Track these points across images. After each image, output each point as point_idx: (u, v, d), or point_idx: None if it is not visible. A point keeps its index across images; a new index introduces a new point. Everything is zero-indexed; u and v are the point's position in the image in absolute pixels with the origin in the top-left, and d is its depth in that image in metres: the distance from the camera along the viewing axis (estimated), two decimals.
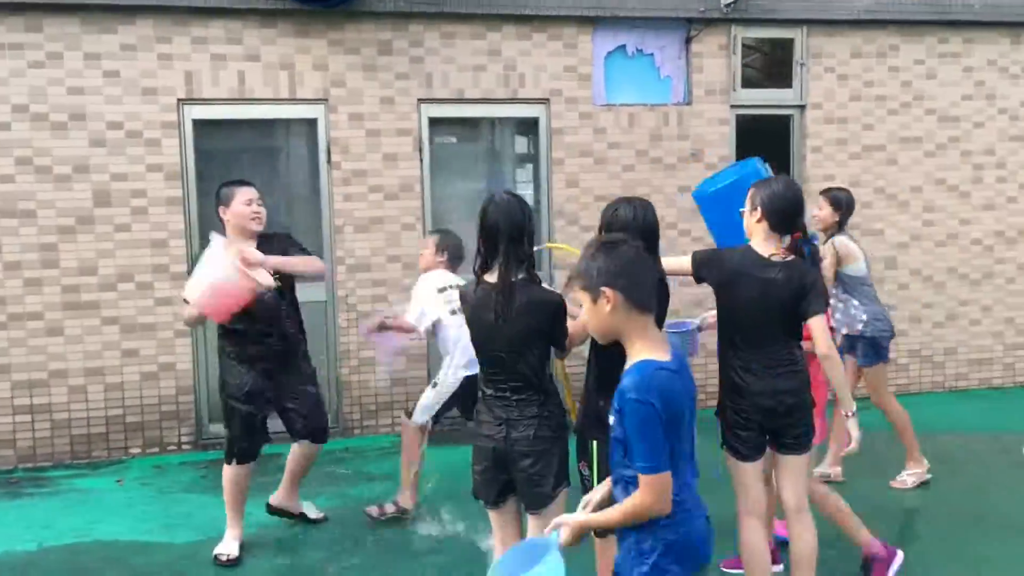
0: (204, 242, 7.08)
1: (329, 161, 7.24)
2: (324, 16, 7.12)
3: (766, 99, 8.21)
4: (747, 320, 3.84)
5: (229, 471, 5.03)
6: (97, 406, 6.96)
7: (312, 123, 7.27)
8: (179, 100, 6.96)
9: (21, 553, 5.20)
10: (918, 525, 5.44)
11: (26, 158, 6.70)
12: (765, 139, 8.54)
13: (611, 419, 2.65)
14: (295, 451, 5.31)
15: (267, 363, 4.95)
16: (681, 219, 7.93)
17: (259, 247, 4.86)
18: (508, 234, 3.51)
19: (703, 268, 3.98)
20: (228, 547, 5.00)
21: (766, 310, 3.81)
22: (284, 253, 4.97)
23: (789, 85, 8.21)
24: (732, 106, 8.06)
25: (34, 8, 6.63)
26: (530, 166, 7.85)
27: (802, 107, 8.25)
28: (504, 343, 3.49)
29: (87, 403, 6.93)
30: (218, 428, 7.19)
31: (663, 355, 2.63)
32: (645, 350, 2.64)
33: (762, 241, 3.88)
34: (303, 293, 5.82)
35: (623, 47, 7.84)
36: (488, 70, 7.50)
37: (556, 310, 3.55)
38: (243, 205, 4.95)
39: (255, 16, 7.02)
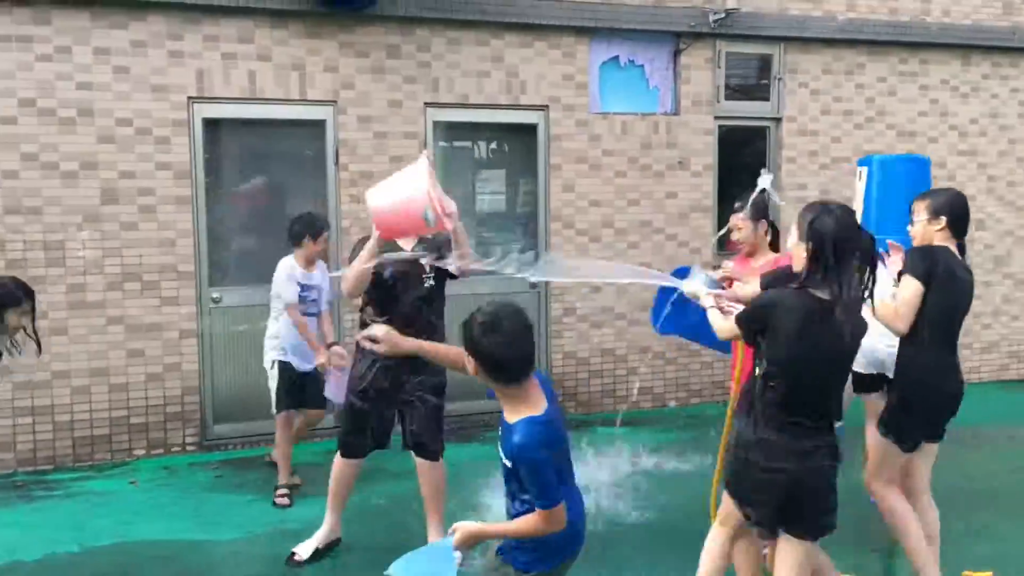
0: (212, 241, 7.10)
1: (337, 163, 7.30)
2: (335, 18, 7.18)
3: (746, 111, 8.63)
4: (957, 318, 4.25)
5: (335, 461, 5.00)
6: (101, 407, 6.83)
7: (321, 124, 7.30)
8: (189, 98, 6.90)
9: (64, 555, 5.12)
10: None
11: (32, 154, 6.55)
12: (744, 149, 9.00)
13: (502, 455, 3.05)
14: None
15: (392, 361, 4.61)
16: (668, 224, 8.28)
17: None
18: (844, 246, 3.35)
19: (932, 271, 4.14)
20: (303, 548, 4.99)
21: (965, 309, 4.27)
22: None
23: (767, 98, 8.66)
24: (716, 117, 8.46)
25: (43, 0, 6.49)
26: (530, 171, 8.04)
27: (778, 119, 8.71)
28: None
29: (91, 404, 6.80)
30: (223, 429, 7.20)
31: (539, 410, 2.99)
32: (526, 409, 2.99)
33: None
34: None
35: (616, 58, 8.14)
36: (492, 76, 7.68)
37: None
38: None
39: (266, 16, 7.02)
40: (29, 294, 4.34)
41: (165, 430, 7.00)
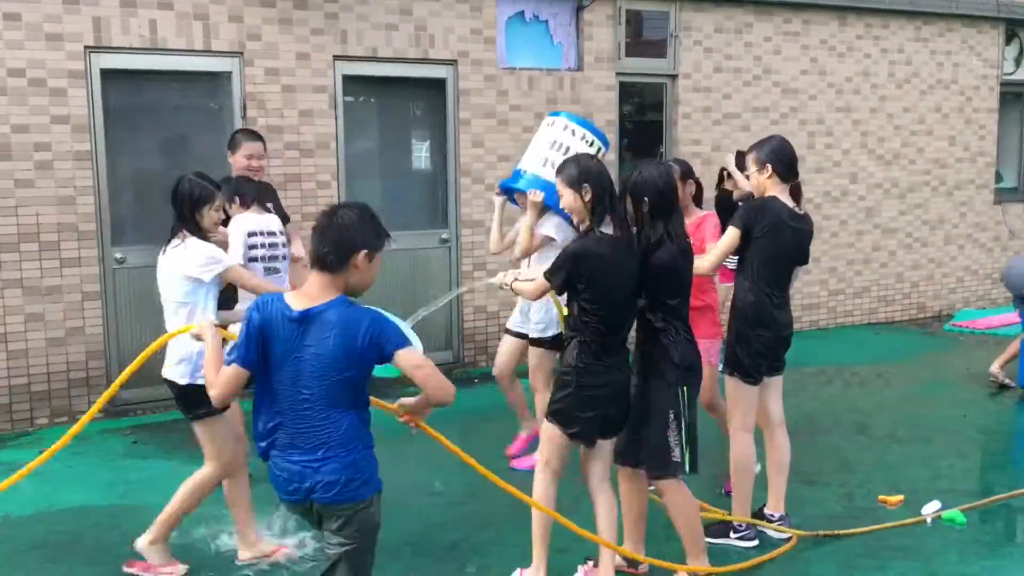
0: (114, 199, 6.82)
1: (244, 116, 7.08)
2: None
3: (645, 67, 8.86)
4: (782, 264, 4.43)
5: None
6: None
7: (226, 76, 7.06)
8: (86, 47, 6.53)
9: None
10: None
11: None
12: (643, 106, 9.25)
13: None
14: None
15: None
16: None
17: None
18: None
19: (754, 224, 4.38)
20: None
21: (798, 254, 4.48)
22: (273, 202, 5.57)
23: (664, 56, 8.91)
24: (617, 73, 8.65)
25: None
26: (439, 126, 8.03)
27: (674, 76, 8.98)
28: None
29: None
30: (131, 394, 6.95)
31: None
32: None
33: (780, 193, 4.46)
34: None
35: (521, 13, 8.18)
36: (400, 29, 7.59)
37: None
38: (243, 158, 5.62)
39: None
40: (218, 187, 4.34)
41: (69, 397, 6.71)
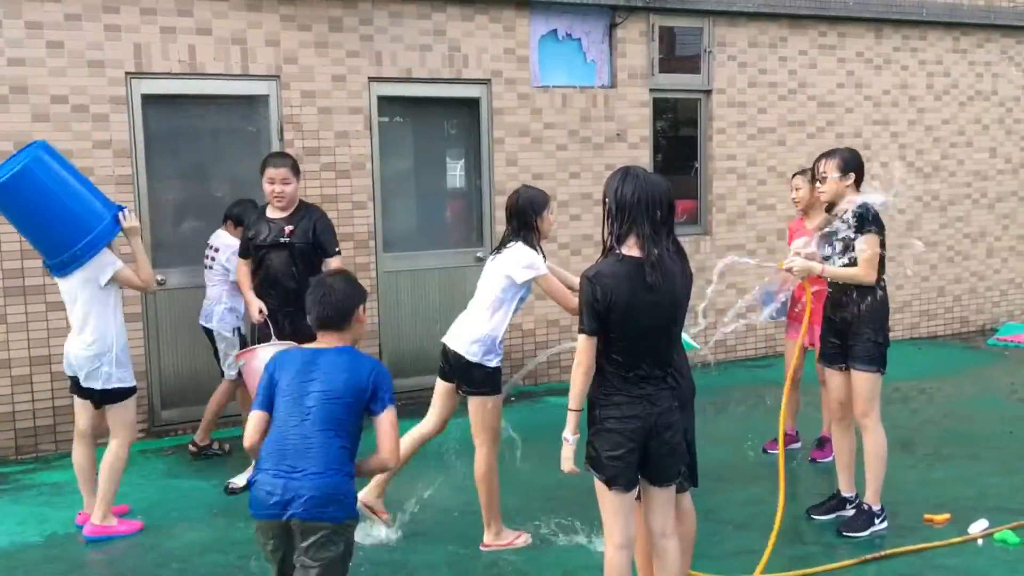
0: (154, 222, 6.91)
1: (281, 139, 7.16)
2: None
3: (679, 83, 8.84)
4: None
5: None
6: (43, 396, 6.58)
7: (264, 99, 7.15)
8: (127, 74, 6.66)
9: (34, 547, 4.96)
10: None
11: None
12: (677, 122, 9.23)
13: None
14: None
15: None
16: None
17: (292, 218, 5.63)
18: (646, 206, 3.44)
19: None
20: (239, 478, 5.60)
21: None
22: (312, 232, 5.58)
23: (698, 71, 8.88)
24: (651, 89, 8.64)
25: None
26: (473, 145, 8.07)
27: (708, 92, 8.96)
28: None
29: (32, 394, 6.54)
30: (171, 414, 7.04)
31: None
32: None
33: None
34: None
35: (555, 31, 8.21)
36: (434, 50, 7.65)
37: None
38: (267, 183, 5.60)
39: None
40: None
41: None
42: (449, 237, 8.05)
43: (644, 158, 8.61)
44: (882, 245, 4.73)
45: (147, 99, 6.78)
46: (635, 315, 3.37)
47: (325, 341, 3.42)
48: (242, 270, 5.80)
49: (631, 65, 8.50)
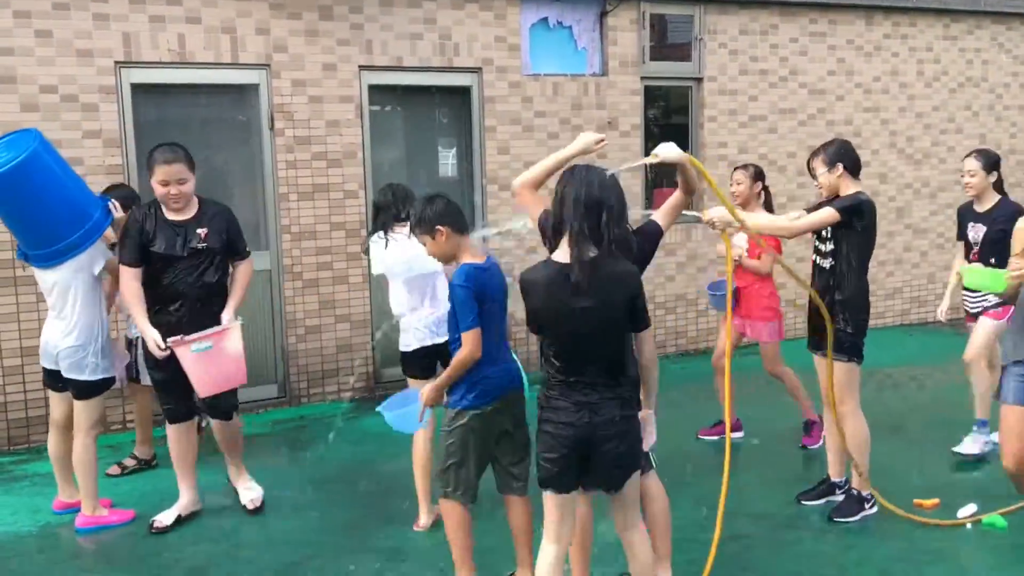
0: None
1: (272, 128, 7.15)
2: None
3: (670, 71, 8.84)
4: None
5: (169, 431, 5.12)
6: (35, 387, 6.54)
7: (254, 88, 7.13)
8: (116, 63, 6.63)
9: (30, 536, 4.97)
10: None
11: None
12: (668, 110, 9.23)
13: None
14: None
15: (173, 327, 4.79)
16: None
17: (200, 219, 4.88)
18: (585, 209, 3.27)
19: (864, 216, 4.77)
20: (164, 516, 5.08)
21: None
22: (226, 233, 4.96)
23: (689, 59, 8.88)
24: (642, 77, 8.63)
25: None
26: (464, 134, 8.06)
27: (699, 79, 8.96)
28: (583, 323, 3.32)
29: (24, 384, 6.53)
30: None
31: (479, 259, 3.89)
32: (466, 257, 3.88)
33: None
34: None
35: (546, 19, 8.20)
36: (424, 38, 7.63)
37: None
38: (159, 185, 4.73)
39: None
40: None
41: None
42: None
43: (635, 146, 8.61)
44: (868, 236, 4.81)
45: (137, 88, 6.75)
46: (563, 321, 3.28)
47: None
48: (132, 286, 4.74)
49: (622, 53, 8.49)
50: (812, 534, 4.81)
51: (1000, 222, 5.59)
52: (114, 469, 5.97)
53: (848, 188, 4.86)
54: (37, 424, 6.55)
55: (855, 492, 5.01)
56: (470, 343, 3.76)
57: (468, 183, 8.10)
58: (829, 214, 4.71)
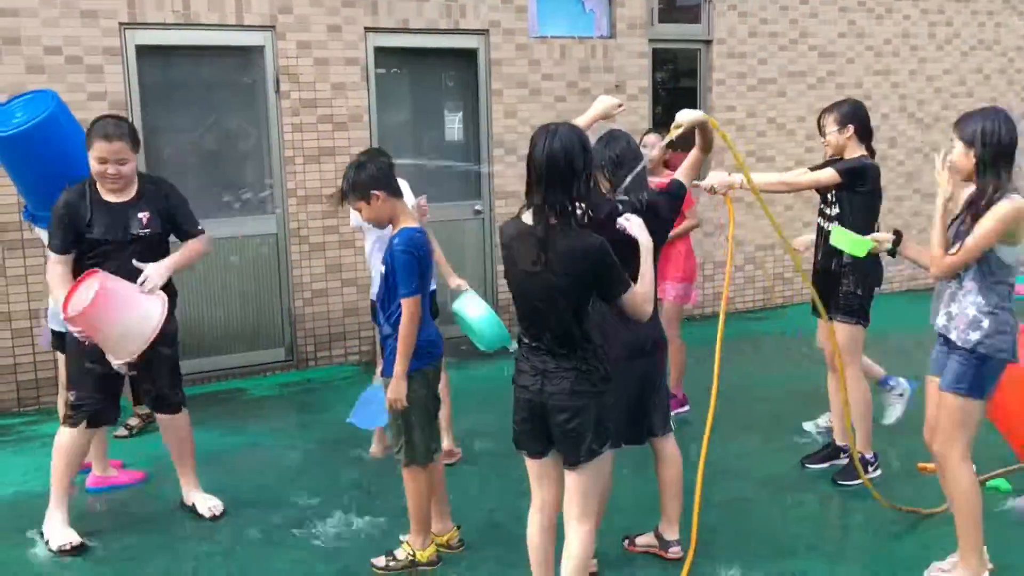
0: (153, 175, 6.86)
1: (278, 91, 7.11)
2: None
3: (679, 33, 8.76)
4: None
5: (68, 435, 4.46)
6: (44, 349, 6.59)
7: (259, 50, 7.09)
8: (121, 24, 6.58)
9: (39, 496, 5.02)
10: None
11: None
12: (676, 73, 9.15)
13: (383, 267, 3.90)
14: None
15: None
16: None
17: (139, 200, 4.38)
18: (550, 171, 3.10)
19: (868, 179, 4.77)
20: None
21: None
22: (169, 213, 4.45)
23: (698, 21, 8.79)
24: (650, 40, 8.56)
25: None
26: (471, 97, 8.01)
27: (708, 42, 8.87)
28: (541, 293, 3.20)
29: (33, 346, 6.56)
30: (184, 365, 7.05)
31: (415, 224, 3.89)
32: (405, 221, 3.87)
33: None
34: (250, 226, 6.58)
35: None
36: (431, 0, 7.56)
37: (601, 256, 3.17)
38: (96, 162, 4.25)
39: None
40: None
41: None
42: (447, 190, 8.02)
43: (643, 110, 8.56)
44: (872, 200, 4.82)
45: (141, 50, 6.71)
46: (523, 286, 3.23)
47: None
48: (58, 271, 4.29)
49: (630, 15, 8.40)
50: (816, 497, 4.84)
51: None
52: (121, 432, 6.00)
53: (854, 151, 4.85)
54: (47, 386, 6.60)
55: (859, 455, 5.03)
56: (413, 308, 3.75)
57: (474, 147, 8.07)
58: (830, 175, 4.74)
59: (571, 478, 3.30)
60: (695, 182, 4.28)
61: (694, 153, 3.95)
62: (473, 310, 4.47)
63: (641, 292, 3.26)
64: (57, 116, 4.58)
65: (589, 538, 3.33)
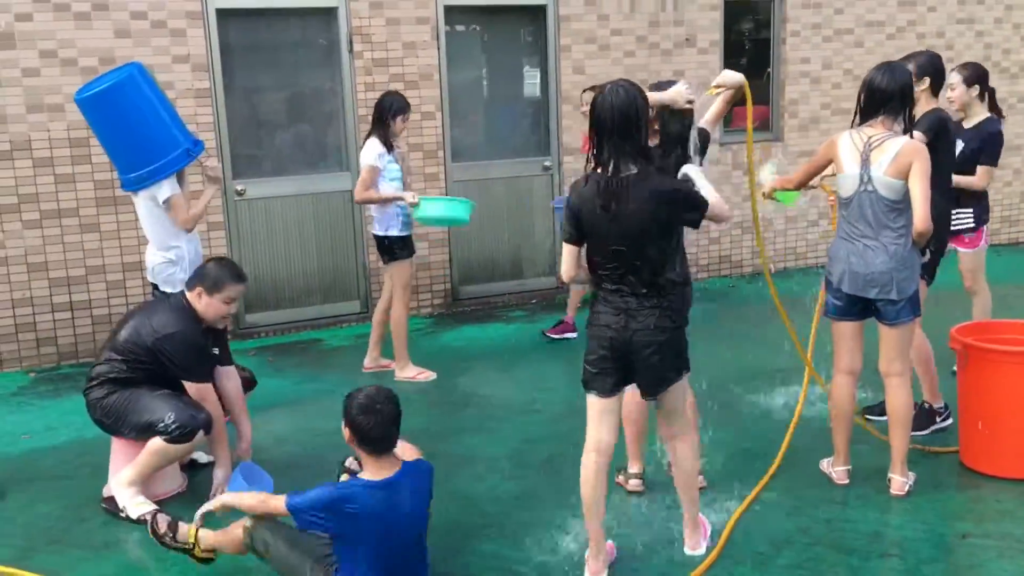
0: (232, 134, 7.16)
1: (351, 51, 7.31)
2: None
3: None
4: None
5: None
6: (137, 299, 7.00)
7: (333, 12, 7.29)
8: None
9: None
10: None
11: (51, 51, 6.53)
12: (749, 25, 9.04)
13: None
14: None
15: None
16: None
17: None
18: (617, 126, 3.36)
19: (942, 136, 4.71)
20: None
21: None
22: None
23: None
24: None
25: None
26: (539, 54, 8.09)
27: None
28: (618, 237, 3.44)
29: (126, 298, 6.98)
30: (255, 317, 7.43)
31: (377, 477, 3.42)
32: (368, 475, 3.46)
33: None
34: (326, 183, 6.73)
35: None
36: None
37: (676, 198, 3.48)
38: (222, 303, 4.45)
39: None
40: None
41: None
42: (516, 146, 8.15)
43: (714, 63, 8.49)
44: (948, 155, 4.79)
45: (222, 13, 6.98)
46: (600, 235, 3.44)
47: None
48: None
49: None
50: (871, 448, 4.88)
51: (975, 140, 5.53)
52: None
53: (926, 105, 4.78)
54: None
55: (927, 406, 5.06)
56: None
57: (543, 103, 8.15)
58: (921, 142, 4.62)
59: (658, 406, 3.69)
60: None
61: (721, 105, 4.22)
62: (432, 208, 5.85)
63: (715, 201, 3.54)
64: (134, 79, 4.86)
65: (692, 450, 3.77)
